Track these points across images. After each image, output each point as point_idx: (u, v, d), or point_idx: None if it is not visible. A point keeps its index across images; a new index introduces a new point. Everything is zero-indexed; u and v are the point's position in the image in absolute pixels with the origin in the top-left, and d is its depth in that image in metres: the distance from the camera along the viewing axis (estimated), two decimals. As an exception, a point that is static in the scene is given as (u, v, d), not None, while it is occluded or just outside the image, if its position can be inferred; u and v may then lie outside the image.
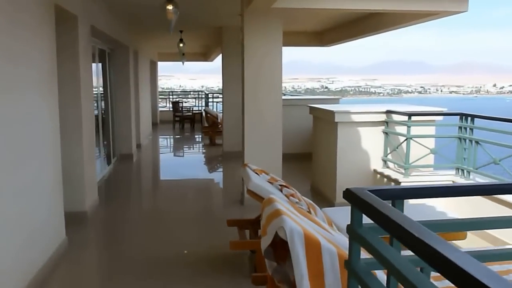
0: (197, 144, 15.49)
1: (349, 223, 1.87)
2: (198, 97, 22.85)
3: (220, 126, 14.72)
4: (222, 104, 11.82)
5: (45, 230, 4.62)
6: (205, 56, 20.87)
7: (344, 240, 3.17)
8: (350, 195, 1.81)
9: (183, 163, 12.04)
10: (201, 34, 12.98)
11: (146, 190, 9.18)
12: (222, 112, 11.83)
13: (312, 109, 7.87)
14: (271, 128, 7.02)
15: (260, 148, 7.03)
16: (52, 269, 4.63)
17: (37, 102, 4.49)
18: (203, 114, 16.56)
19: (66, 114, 6.02)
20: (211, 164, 11.67)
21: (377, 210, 1.60)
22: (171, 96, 23.51)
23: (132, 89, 11.32)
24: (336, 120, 6.53)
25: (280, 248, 2.90)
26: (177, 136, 17.26)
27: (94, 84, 8.75)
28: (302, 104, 10.00)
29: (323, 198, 7.11)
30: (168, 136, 17.38)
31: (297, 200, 4.48)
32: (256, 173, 4.86)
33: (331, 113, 6.63)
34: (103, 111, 9.73)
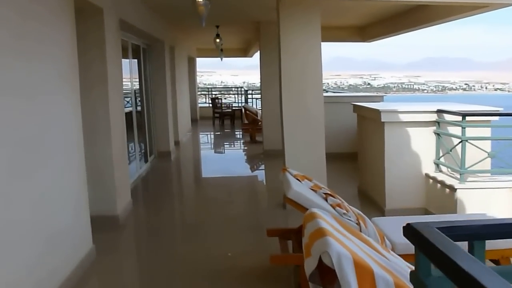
0: (237, 141, 15.15)
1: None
2: (238, 93, 22.53)
3: (260, 123, 14.38)
4: (261, 101, 11.45)
5: (67, 238, 4.31)
6: (244, 52, 20.50)
7: (402, 267, 2.71)
8: (412, 234, 1.36)
9: (222, 161, 11.63)
10: (238, 29, 12.60)
11: (184, 190, 8.85)
12: (262, 110, 11.45)
13: (357, 108, 7.35)
14: (312, 128, 6.57)
15: (301, 148, 6.60)
16: (77, 282, 4.32)
17: (54, 101, 4.18)
18: (243, 111, 16.21)
19: (93, 114, 5.78)
20: (252, 163, 11.23)
21: (448, 259, 1.16)
22: (211, 93, 23.30)
23: (168, 85, 11.06)
24: (383, 120, 6.01)
25: (328, 271, 2.46)
26: (216, 133, 17.01)
27: (129, 80, 8.53)
28: (345, 101, 9.50)
29: (372, 203, 6.63)
30: (208, 133, 17.13)
31: (344, 211, 4.04)
32: (297, 179, 4.43)
33: (377, 112, 6.12)
34: (138, 108, 9.51)
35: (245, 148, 13.51)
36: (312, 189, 4.38)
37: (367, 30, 11.95)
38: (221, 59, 17.27)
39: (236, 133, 16.81)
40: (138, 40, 9.34)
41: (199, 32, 12.90)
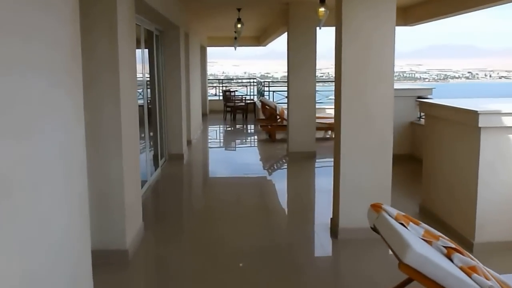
0: (254, 140, 13.58)
1: None
2: (250, 85, 20.98)
3: (279, 119, 12.92)
4: (288, 95, 10.00)
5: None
6: (258, 40, 19.02)
7: None
8: None
9: (242, 166, 9.86)
10: (261, 12, 11.07)
11: (202, 204, 7.15)
12: (288, 104, 9.98)
13: (426, 106, 5.87)
14: (379, 133, 5.14)
15: (363, 158, 5.16)
16: None
17: (45, 100, 2.59)
18: (259, 105, 14.70)
19: (99, 116, 4.36)
20: (277, 171, 9.59)
21: None
22: (220, 85, 21.73)
23: (183, 78, 9.53)
24: (480, 125, 4.51)
25: None
26: (229, 129, 15.49)
27: (139, 72, 7.06)
28: (398, 95, 8.01)
29: (446, 230, 5.11)
30: (220, 129, 15.63)
31: (484, 279, 2.58)
32: (401, 223, 2.94)
33: (471, 114, 4.61)
34: (149, 105, 8.03)
35: (265, 148, 11.85)
36: (424, 239, 2.91)
37: (411, 12, 10.43)
38: (235, 48, 15.77)
39: (250, 129, 15.36)
40: (151, 25, 7.82)
41: (216, 17, 11.40)
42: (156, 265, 4.82)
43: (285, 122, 12.43)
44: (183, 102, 9.52)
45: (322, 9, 6.99)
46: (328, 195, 7.24)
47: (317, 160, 9.78)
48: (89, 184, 3.59)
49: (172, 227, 5.85)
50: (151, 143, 8.21)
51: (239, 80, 25.15)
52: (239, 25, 9.91)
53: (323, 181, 8.29)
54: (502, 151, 4.62)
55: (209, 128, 15.47)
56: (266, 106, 13.42)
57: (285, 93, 15.21)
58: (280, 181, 8.60)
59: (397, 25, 10.96)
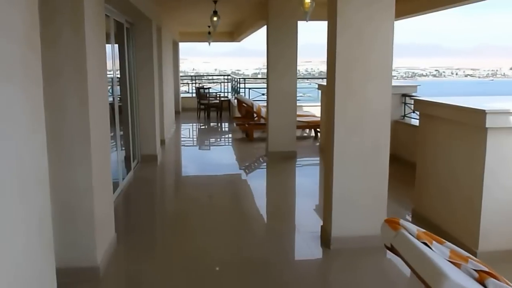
0: (230, 139, 13.00)
1: None
2: (223, 82, 20.44)
3: (256, 117, 12.48)
4: (267, 92, 9.54)
5: None
6: (232, 35, 18.47)
7: None
8: None
9: (220, 167, 9.19)
10: (238, 5, 10.53)
11: (178, 213, 6.45)
12: (267, 102, 9.51)
13: (423, 104, 5.46)
14: (374, 133, 4.70)
15: (357, 162, 4.73)
16: None
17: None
18: (235, 103, 14.20)
19: (62, 117, 3.81)
20: (257, 172, 9.06)
21: None
22: (193, 82, 21.12)
23: (156, 75, 8.93)
24: (488, 125, 4.13)
25: None
26: (204, 127, 14.93)
27: (109, 68, 6.49)
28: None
29: (443, 238, 4.72)
30: (194, 128, 15.05)
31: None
32: (424, 242, 2.50)
33: (478, 113, 4.23)
34: (119, 103, 7.45)
35: (243, 148, 11.23)
36: (451, 261, 2.48)
37: (399, 4, 10.01)
38: (209, 43, 15.20)
39: (226, 128, 14.84)
40: (121, 16, 7.22)
41: (190, 9, 10.84)
42: (130, 282, 4.29)
43: (262, 120, 12.00)
44: (156, 100, 8.96)
45: (307, 0, 6.53)
46: (313, 198, 6.81)
47: (298, 160, 9.37)
48: (53, 195, 3.07)
49: (147, 238, 5.31)
50: (122, 144, 7.64)
51: (212, 77, 24.56)
52: (215, 18, 9.33)
53: (307, 182, 7.92)
54: (509, 154, 4.25)
55: (183, 127, 14.86)
56: (243, 104, 12.95)
57: (261, 91, 14.81)
58: (261, 183, 8.12)
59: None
